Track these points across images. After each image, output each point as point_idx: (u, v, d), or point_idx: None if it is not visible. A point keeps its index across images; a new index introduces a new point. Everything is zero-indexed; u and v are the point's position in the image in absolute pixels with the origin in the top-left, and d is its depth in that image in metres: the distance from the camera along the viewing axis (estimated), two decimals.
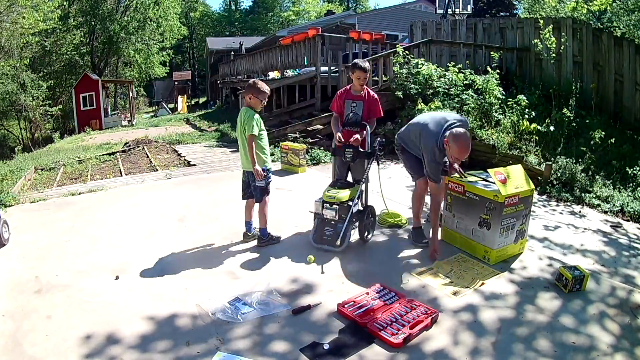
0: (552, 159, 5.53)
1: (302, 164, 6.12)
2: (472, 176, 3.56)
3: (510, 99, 6.62)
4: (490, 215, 3.14)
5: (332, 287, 2.90)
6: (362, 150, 3.66)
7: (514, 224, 3.19)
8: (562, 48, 7.72)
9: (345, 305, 2.60)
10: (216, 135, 10.38)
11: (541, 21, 8.06)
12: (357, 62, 3.66)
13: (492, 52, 8.13)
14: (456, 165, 3.55)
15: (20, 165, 8.16)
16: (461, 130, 3.07)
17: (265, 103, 3.55)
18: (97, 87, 17.83)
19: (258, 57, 12.75)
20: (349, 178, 3.83)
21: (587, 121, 6.38)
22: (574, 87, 6.43)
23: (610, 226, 4.12)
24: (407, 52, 7.80)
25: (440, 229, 3.56)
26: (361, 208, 3.59)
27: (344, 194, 3.39)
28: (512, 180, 3.16)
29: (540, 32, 7.27)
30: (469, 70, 7.37)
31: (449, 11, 13.78)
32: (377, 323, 2.43)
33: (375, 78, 8.16)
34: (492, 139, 5.99)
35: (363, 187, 3.63)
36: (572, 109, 5.98)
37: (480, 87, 6.93)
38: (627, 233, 3.98)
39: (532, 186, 3.27)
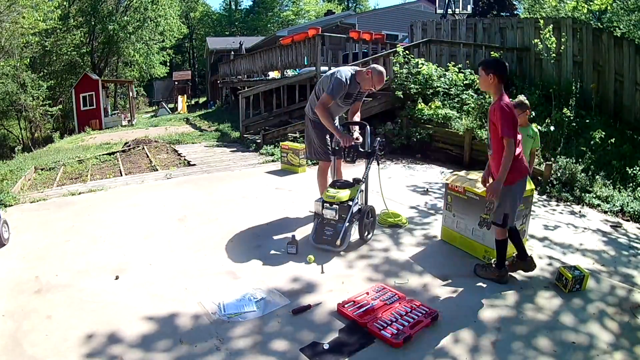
0: (552, 159, 5.53)
1: (302, 163, 6.12)
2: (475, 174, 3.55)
3: (510, 99, 6.61)
4: (491, 215, 3.14)
5: (332, 287, 2.90)
6: (362, 150, 3.67)
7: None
8: (562, 48, 7.72)
9: (345, 305, 2.60)
10: (216, 135, 10.38)
11: (541, 21, 8.06)
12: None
13: (492, 52, 8.11)
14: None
15: (20, 165, 8.15)
16: (382, 67, 3.76)
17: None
18: (97, 87, 17.81)
19: (258, 57, 12.74)
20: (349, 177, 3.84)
21: (587, 121, 6.38)
22: (574, 87, 6.43)
23: (610, 226, 4.12)
24: (407, 52, 7.81)
25: (440, 228, 3.64)
26: (361, 208, 3.58)
27: (344, 194, 3.39)
28: None
29: (540, 32, 7.27)
30: (469, 70, 7.37)
31: (449, 11, 13.80)
32: (377, 323, 2.43)
33: None
34: None
35: (363, 187, 3.63)
36: (572, 109, 5.98)
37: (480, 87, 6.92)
38: (627, 233, 3.98)
39: (533, 186, 3.28)
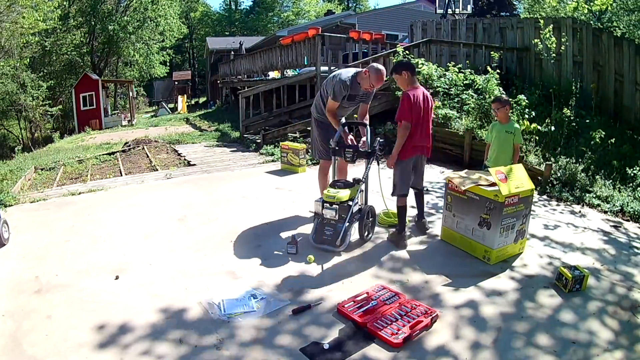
0: (552, 159, 5.53)
1: (302, 163, 6.12)
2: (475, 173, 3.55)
3: (510, 99, 6.61)
4: (491, 215, 3.14)
5: (332, 287, 2.90)
6: (362, 150, 3.67)
7: (514, 223, 3.19)
8: (562, 48, 7.72)
9: (345, 305, 2.60)
10: (216, 135, 10.39)
11: (541, 21, 8.06)
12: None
13: (492, 52, 8.12)
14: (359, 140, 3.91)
15: (20, 165, 8.16)
16: (380, 65, 3.70)
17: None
18: (97, 87, 17.82)
19: (258, 57, 12.75)
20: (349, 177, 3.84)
21: (587, 121, 6.38)
22: (574, 87, 6.43)
23: (611, 226, 4.12)
24: (407, 52, 7.81)
25: (440, 227, 3.67)
26: (361, 208, 3.58)
27: (344, 194, 3.39)
28: (513, 179, 3.16)
29: (541, 32, 7.27)
30: (469, 70, 7.37)
31: (449, 11, 13.80)
32: (377, 323, 2.43)
33: None
34: None
35: (363, 186, 3.63)
36: (572, 109, 5.98)
37: (480, 87, 6.92)
38: (626, 232, 3.98)
39: (533, 186, 3.27)
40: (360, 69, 3.83)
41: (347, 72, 3.80)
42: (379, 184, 3.73)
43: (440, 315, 2.56)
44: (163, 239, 3.76)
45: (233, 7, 42.85)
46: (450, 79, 7.23)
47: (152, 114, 23.88)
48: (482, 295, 2.80)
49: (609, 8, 8.36)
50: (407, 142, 3.40)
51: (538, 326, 2.49)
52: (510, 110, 4.19)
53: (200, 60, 40.26)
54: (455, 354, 2.25)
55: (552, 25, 7.19)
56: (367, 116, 4.04)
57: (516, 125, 4.09)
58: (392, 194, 3.55)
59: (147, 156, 8.14)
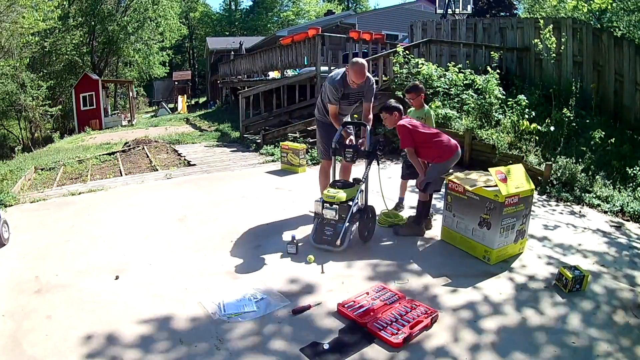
0: (552, 159, 5.53)
1: (302, 164, 6.13)
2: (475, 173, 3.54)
3: (510, 99, 6.62)
4: (491, 215, 3.14)
5: (332, 287, 2.90)
6: (362, 150, 3.67)
7: (514, 223, 3.19)
8: (562, 48, 7.72)
9: (345, 305, 2.60)
10: (216, 135, 10.39)
11: (541, 21, 8.06)
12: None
13: (492, 52, 8.12)
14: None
15: (20, 165, 8.16)
16: (359, 59, 3.76)
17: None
18: (97, 87, 17.83)
19: (258, 57, 12.75)
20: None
21: (587, 121, 6.38)
22: (574, 87, 6.42)
23: (610, 226, 4.12)
24: (407, 52, 7.80)
25: (440, 228, 3.68)
26: (361, 208, 3.58)
27: (344, 194, 3.39)
28: (513, 179, 3.16)
29: (541, 32, 7.26)
30: (469, 70, 7.36)
31: (449, 11, 13.80)
32: (377, 323, 2.43)
33: (375, 78, 8.16)
34: (492, 138, 5.99)
35: (363, 187, 3.63)
36: (572, 109, 5.98)
37: (480, 87, 6.92)
38: (626, 233, 3.98)
39: (533, 186, 3.27)
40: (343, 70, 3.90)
41: (337, 73, 3.87)
42: (379, 184, 3.73)
43: (440, 316, 2.56)
44: (163, 239, 3.76)
45: (233, 7, 42.81)
46: (450, 79, 7.23)
47: (152, 114, 23.88)
48: (481, 296, 2.80)
49: (609, 8, 8.35)
50: (444, 147, 3.56)
51: (538, 327, 2.49)
52: (424, 97, 4.42)
53: (200, 60, 40.26)
54: (455, 355, 2.25)
55: (552, 25, 7.18)
56: (371, 115, 3.99)
57: (426, 108, 4.26)
58: (425, 190, 3.65)
59: (147, 156, 8.14)
